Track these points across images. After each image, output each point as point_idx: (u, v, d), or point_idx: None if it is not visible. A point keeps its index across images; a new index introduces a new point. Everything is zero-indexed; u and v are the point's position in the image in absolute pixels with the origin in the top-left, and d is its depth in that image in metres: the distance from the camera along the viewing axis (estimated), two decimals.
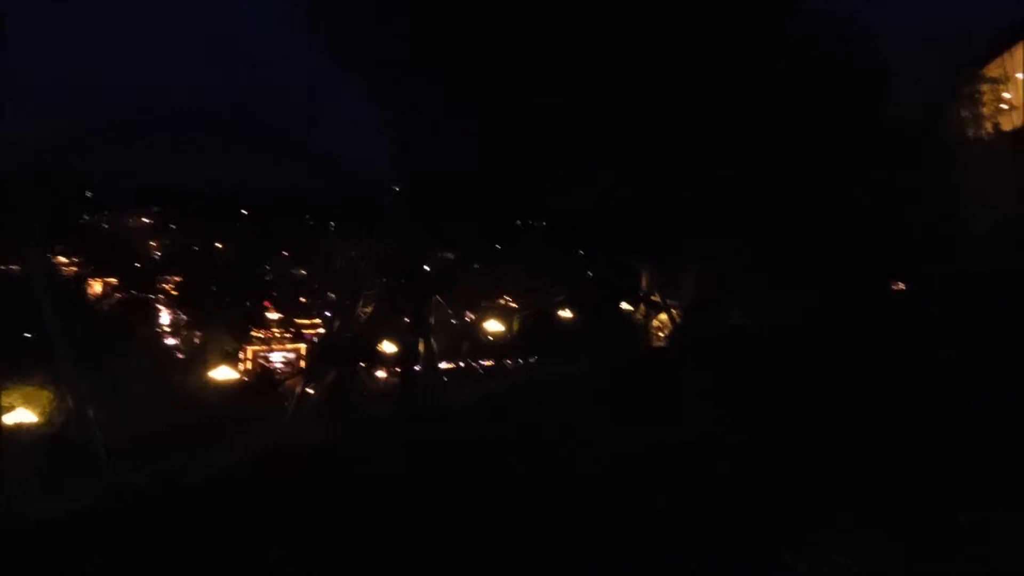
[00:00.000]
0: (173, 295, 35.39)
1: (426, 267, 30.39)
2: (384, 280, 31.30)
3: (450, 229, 25.44)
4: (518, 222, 30.63)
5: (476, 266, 33.75)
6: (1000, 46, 20.29)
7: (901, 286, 18.64)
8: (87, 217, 35.00)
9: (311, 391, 30.44)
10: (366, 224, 31.61)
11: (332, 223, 37.47)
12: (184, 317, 34.43)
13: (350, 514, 12.25)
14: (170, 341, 34.01)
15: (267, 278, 39.15)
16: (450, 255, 31.13)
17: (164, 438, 23.99)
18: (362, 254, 33.10)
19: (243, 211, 38.69)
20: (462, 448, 13.84)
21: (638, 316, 31.30)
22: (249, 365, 34.49)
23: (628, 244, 24.76)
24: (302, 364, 34.12)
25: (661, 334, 30.66)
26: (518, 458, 12.68)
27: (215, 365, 31.15)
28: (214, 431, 25.63)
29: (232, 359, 32.81)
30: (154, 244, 37.50)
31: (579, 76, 16.74)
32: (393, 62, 18.35)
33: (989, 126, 19.63)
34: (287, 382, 32.52)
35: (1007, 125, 20.17)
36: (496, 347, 33.97)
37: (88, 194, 33.50)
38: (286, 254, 39.09)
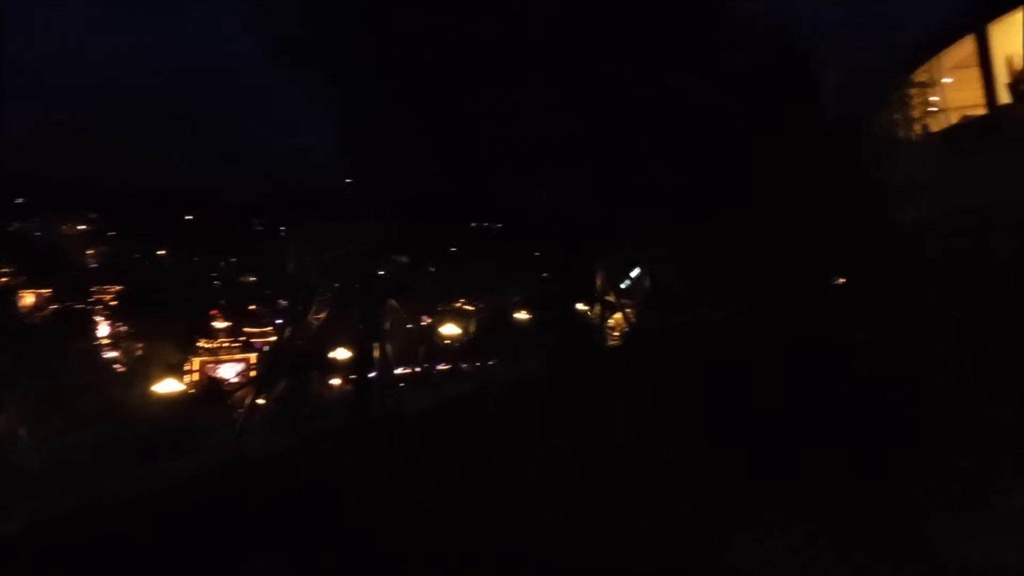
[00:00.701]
0: (112, 305, 34.06)
1: (380, 271, 29.86)
2: (337, 285, 30.67)
3: (402, 232, 25.05)
4: (472, 224, 30.38)
5: (431, 269, 33.37)
6: (927, 52, 21.10)
7: (841, 281, 19.08)
8: (17, 224, 33.44)
9: (262, 402, 29.60)
10: (317, 227, 30.91)
11: (282, 227, 36.66)
12: (124, 328, 33.16)
13: (299, 529, 11.79)
14: (110, 354, 32.70)
15: (214, 285, 38.03)
16: (404, 258, 30.67)
17: (104, 456, 22.96)
18: (314, 258, 32.37)
19: (187, 216, 37.51)
20: (413, 459, 13.52)
21: (593, 316, 31.33)
22: (196, 377, 33.39)
23: (581, 245, 24.77)
24: (252, 374, 33.15)
25: (616, 333, 30.75)
26: (466, 467, 12.48)
27: (159, 378, 30.04)
28: (158, 447, 24.65)
29: (177, 371, 31.72)
30: (91, 252, 36.05)
31: (521, 81, 16.78)
32: (339, 63, 18.02)
33: (919, 128, 20.37)
34: (236, 393, 31.54)
35: (935, 127, 20.99)
36: (453, 350, 33.62)
37: (18, 200, 32.03)
38: (234, 260, 38.07)
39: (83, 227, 36.34)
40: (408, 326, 32.67)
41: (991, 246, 13.71)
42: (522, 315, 31.96)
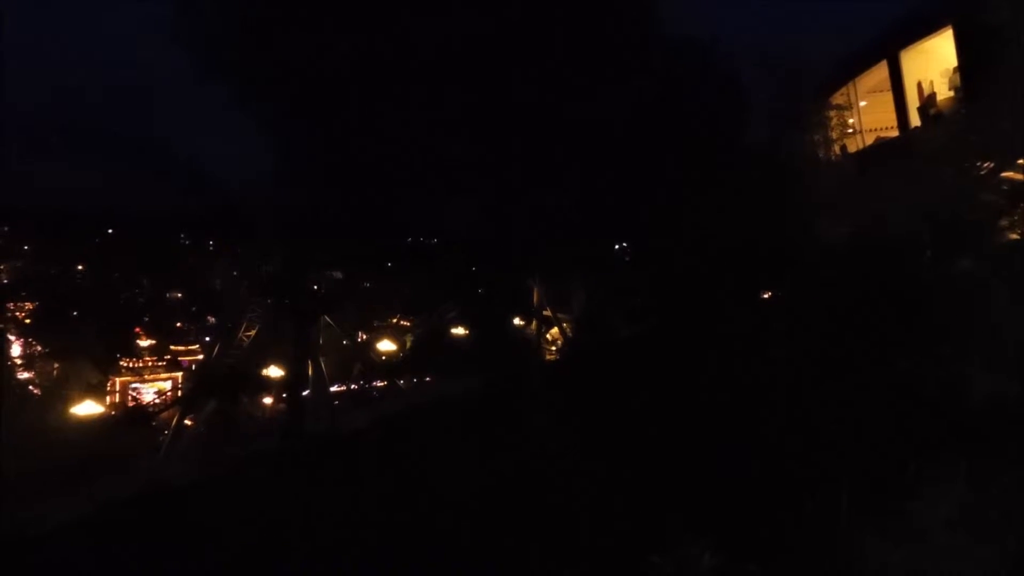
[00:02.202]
0: (26, 323, 32.23)
1: (313, 286, 29.25)
2: (268, 301, 29.90)
3: (331, 248, 24.70)
4: (408, 239, 30.15)
5: (365, 284, 32.88)
6: (844, 76, 22.07)
7: (765, 295, 19.66)
8: None
9: (189, 423, 28.49)
10: (247, 243, 30.10)
11: (210, 242, 35.51)
12: (40, 347, 31.40)
13: (225, 561, 11.36)
14: (24, 375, 30.91)
15: (139, 301, 36.49)
16: (337, 274, 30.16)
17: (15, 485, 21.65)
18: (243, 274, 31.49)
19: (108, 230, 35.94)
20: (347, 483, 13.25)
21: (530, 331, 31.44)
22: (118, 398, 31.88)
23: (513, 261, 24.94)
24: (179, 394, 31.89)
25: (553, 347, 30.94)
26: (400, 491, 12.33)
27: (78, 400, 28.54)
28: (76, 474, 23.38)
29: (98, 392, 30.21)
30: (2, 268, 34.08)
31: (442, 100, 16.86)
32: (263, 81, 17.74)
33: (836, 148, 21.26)
34: (161, 415, 30.26)
35: (852, 147, 21.95)
36: (389, 367, 33.14)
37: None
38: (158, 276, 36.60)
39: None
40: (343, 342, 32.07)
41: (898, 260, 14.30)
42: (459, 331, 31.80)
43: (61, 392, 28.75)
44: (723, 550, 7.04)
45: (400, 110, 16.94)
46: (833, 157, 20.91)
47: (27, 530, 14.98)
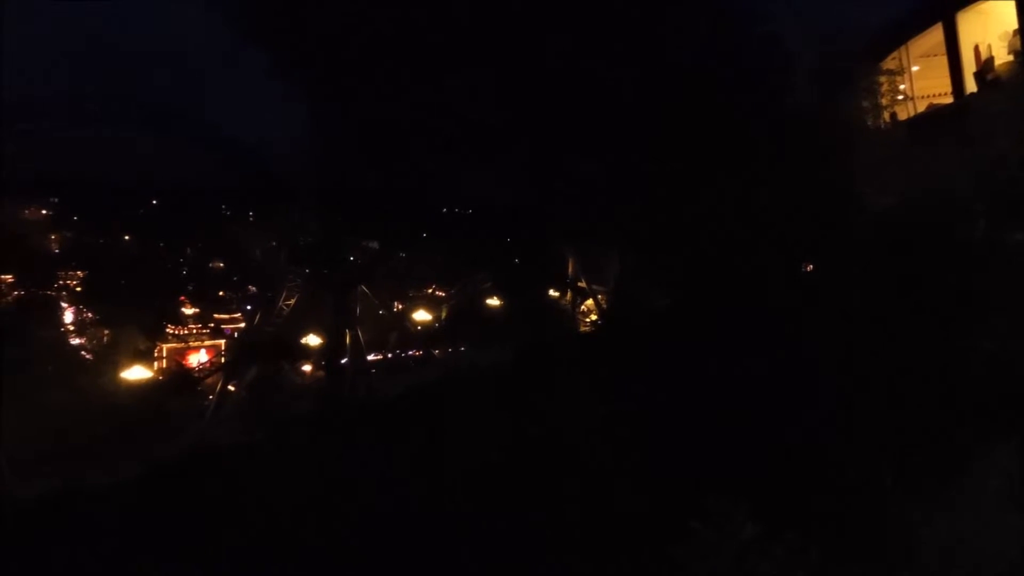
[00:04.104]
0: (77, 292, 33.24)
1: (350, 257, 29.59)
2: (306, 271, 30.37)
3: (367, 218, 24.92)
4: (443, 210, 30.23)
5: (401, 255, 33.11)
6: (896, 40, 21.17)
7: (809, 268, 19.26)
8: None
9: (232, 388, 29.27)
10: (285, 213, 30.50)
11: (250, 213, 36.04)
12: (91, 315, 32.41)
13: (267, 521, 11.68)
14: (76, 341, 31.98)
15: (182, 271, 37.35)
16: (373, 244, 30.41)
17: (73, 445, 22.58)
18: (282, 244, 31.98)
19: (153, 201, 36.70)
20: (383, 448, 13.47)
21: (565, 302, 31.39)
22: (165, 363, 32.84)
23: (548, 230, 24.83)
24: (222, 361, 32.73)
25: (589, 319, 30.86)
26: (436, 456, 12.48)
27: (127, 365, 29.48)
28: (127, 435, 24.26)
29: (146, 358, 31.15)
30: (54, 237, 35.09)
31: (475, 69, 16.69)
32: (300, 48, 17.79)
33: (886, 116, 20.50)
34: (206, 380, 31.13)
35: (903, 115, 21.14)
36: (424, 336, 33.49)
37: None
38: (200, 246, 37.36)
39: (45, 212, 35.32)
40: (380, 312, 32.47)
41: (951, 233, 13.87)
42: (494, 301, 31.91)
43: (111, 358, 29.70)
44: (762, 519, 7.00)
45: (434, 76, 16.85)
46: (883, 124, 20.23)
47: (79, 487, 15.58)
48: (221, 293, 36.66)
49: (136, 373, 29.33)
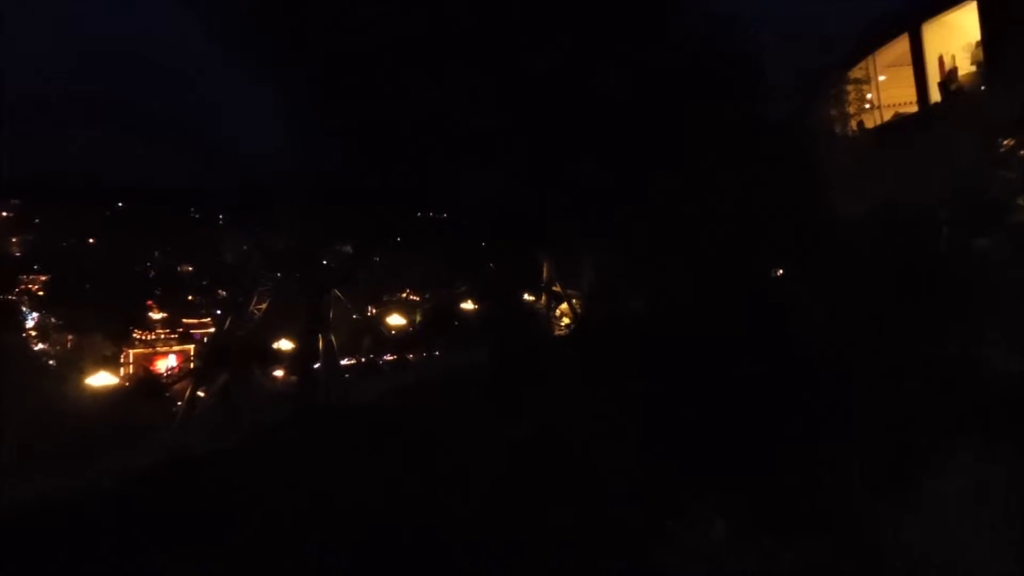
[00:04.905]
0: (40, 296, 32.44)
1: (323, 260, 29.36)
2: (278, 275, 30.06)
3: (344, 221, 24.75)
4: (418, 213, 30.09)
5: (375, 259, 32.94)
6: (864, 50, 21.68)
7: (778, 273, 19.57)
8: None
9: (202, 395, 28.81)
10: (257, 216, 30.16)
11: (220, 216, 35.50)
12: (54, 320, 31.64)
13: (242, 529, 11.53)
14: (40, 346, 31.19)
15: (150, 275, 36.64)
16: (347, 247, 30.22)
17: (34, 455, 21.98)
18: (254, 248, 31.59)
19: (119, 203, 35.96)
20: (358, 453, 13.39)
21: (540, 306, 31.52)
22: (132, 370, 32.19)
23: (524, 235, 24.91)
24: (191, 366, 32.19)
25: (563, 323, 31.02)
26: (410, 459, 12.44)
27: (92, 371, 28.84)
28: (92, 444, 23.70)
29: (112, 364, 30.49)
30: (15, 240, 34.20)
31: (457, 72, 16.71)
32: (273, 52, 17.61)
33: (854, 124, 20.96)
34: (175, 386, 30.58)
35: (870, 123, 21.65)
36: (398, 341, 33.34)
37: None
38: (169, 249, 36.67)
39: (5, 214, 34.41)
40: (353, 316, 32.24)
41: (915, 240, 14.21)
42: (469, 305, 31.89)
43: (76, 363, 29.03)
44: (737, 521, 7.10)
45: (416, 78, 16.82)
46: (850, 132, 20.69)
47: (46, 500, 15.21)
48: (190, 297, 36.06)
49: (102, 379, 28.70)
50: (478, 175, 19.82)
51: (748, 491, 8.75)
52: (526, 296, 31.24)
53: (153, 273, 36.60)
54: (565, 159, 18.42)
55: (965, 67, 18.29)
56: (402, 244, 31.53)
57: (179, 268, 36.56)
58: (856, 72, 21.75)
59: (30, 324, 31.52)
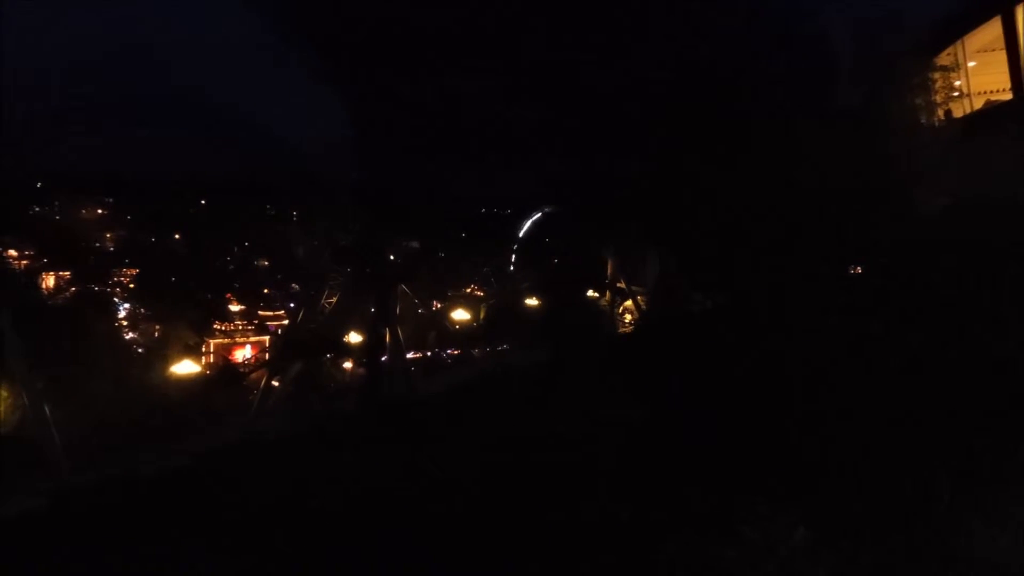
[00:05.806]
0: (130, 288, 34.52)
1: (391, 256, 30.18)
2: (348, 270, 31.04)
3: (408, 218, 25.40)
4: (483, 210, 30.63)
5: (441, 254, 33.60)
6: (951, 35, 20.52)
7: (857, 269, 18.96)
8: (37, 208, 33.86)
9: (276, 384, 30.08)
10: (328, 213, 31.24)
11: (294, 212, 36.93)
12: (142, 311, 33.61)
13: (314, 513, 12.02)
14: (129, 335, 33.20)
15: (229, 269, 38.41)
16: (414, 244, 30.97)
17: (124, 435, 23.49)
18: (325, 243, 32.73)
19: (201, 200, 37.85)
20: (421, 443, 13.76)
21: (604, 303, 31.51)
22: (212, 358, 33.89)
23: (589, 230, 24.99)
24: (266, 357, 33.63)
25: (627, 319, 30.91)
26: (474, 451, 12.67)
27: (177, 359, 30.51)
28: (176, 427, 25.16)
29: (195, 353, 32.17)
30: (109, 236, 36.49)
31: (515, 67, 16.94)
32: (340, 48, 18.28)
33: (940, 113, 19.89)
34: (252, 375, 32.03)
35: (957, 112, 20.47)
36: (463, 336, 33.90)
37: (38, 184, 32.48)
38: (246, 244, 38.42)
39: (101, 211, 36.73)
40: (419, 311, 32.99)
41: (1004, 233, 13.52)
42: (532, 301, 32.15)
43: (162, 352, 30.76)
44: (813, 527, 7.00)
45: (476, 77, 17.18)
46: (936, 123, 19.64)
47: (132, 474, 16.22)
48: (266, 291, 37.66)
49: (186, 367, 30.34)
50: (540, 174, 20.06)
51: (824, 495, 8.51)
52: (590, 293, 31.31)
53: (232, 267, 38.43)
54: (631, 157, 18.40)
55: None
56: (467, 240, 32.07)
57: (256, 263, 38.27)
58: (943, 59, 20.60)
59: (122, 314, 33.62)
